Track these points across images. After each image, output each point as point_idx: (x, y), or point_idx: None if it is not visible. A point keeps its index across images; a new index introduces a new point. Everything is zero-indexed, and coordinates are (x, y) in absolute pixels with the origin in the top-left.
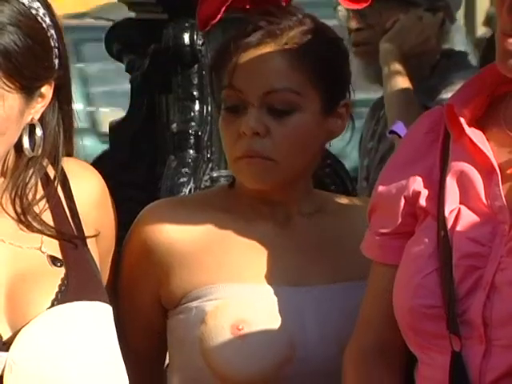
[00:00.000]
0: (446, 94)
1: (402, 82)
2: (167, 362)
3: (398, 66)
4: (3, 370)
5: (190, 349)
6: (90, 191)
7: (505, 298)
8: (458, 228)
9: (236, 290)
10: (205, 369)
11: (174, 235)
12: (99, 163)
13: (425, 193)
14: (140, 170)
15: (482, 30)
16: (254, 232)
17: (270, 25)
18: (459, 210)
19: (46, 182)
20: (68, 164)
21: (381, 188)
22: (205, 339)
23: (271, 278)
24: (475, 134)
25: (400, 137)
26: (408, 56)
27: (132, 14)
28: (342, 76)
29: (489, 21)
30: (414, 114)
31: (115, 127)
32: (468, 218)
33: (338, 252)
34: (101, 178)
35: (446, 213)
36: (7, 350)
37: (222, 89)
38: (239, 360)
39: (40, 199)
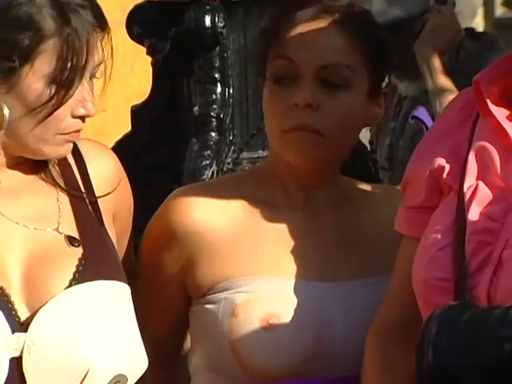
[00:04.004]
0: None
1: (446, 81)
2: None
3: (439, 69)
4: (22, 351)
5: (218, 339)
6: (106, 172)
7: (509, 275)
8: (474, 203)
9: (267, 283)
10: (231, 360)
11: (205, 221)
12: (121, 146)
13: (450, 168)
14: (162, 152)
15: (501, 10)
16: (285, 222)
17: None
18: (477, 185)
19: (63, 163)
20: (84, 145)
21: (413, 162)
22: (234, 331)
23: (302, 273)
24: (499, 112)
25: (423, 122)
26: (445, 51)
27: None
28: (387, 61)
29: (508, 1)
30: None
31: (137, 110)
32: (484, 193)
33: (365, 246)
34: (117, 158)
35: (465, 188)
36: (25, 330)
37: (267, 60)
38: (267, 354)
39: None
